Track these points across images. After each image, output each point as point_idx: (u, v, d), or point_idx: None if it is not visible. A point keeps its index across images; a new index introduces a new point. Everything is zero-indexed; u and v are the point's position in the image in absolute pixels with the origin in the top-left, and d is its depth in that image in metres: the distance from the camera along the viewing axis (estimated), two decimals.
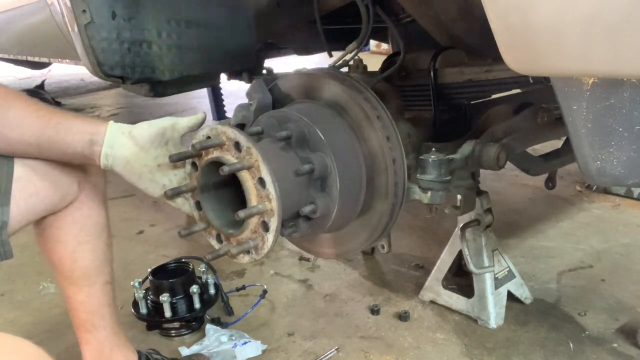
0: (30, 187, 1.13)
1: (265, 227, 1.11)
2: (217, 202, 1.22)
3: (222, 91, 4.00)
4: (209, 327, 1.70)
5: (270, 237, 1.11)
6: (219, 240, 1.21)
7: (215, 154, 1.15)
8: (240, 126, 1.42)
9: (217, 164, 1.14)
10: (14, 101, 1.09)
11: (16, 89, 1.12)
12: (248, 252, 1.15)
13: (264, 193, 1.09)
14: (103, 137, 1.11)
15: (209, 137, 1.15)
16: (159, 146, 1.16)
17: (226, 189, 1.21)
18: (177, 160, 1.15)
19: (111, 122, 1.15)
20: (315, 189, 1.25)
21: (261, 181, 1.08)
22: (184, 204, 1.23)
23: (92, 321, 1.35)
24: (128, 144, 1.13)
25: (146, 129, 1.15)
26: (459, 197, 1.47)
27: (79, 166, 1.23)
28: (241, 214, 1.07)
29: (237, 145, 1.10)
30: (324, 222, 1.28)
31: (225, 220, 1.20)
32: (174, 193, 1.17)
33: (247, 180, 1.10)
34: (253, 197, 1.11)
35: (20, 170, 1.12)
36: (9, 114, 1.07)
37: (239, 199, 1.15)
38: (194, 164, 1.19)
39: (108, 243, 1.34)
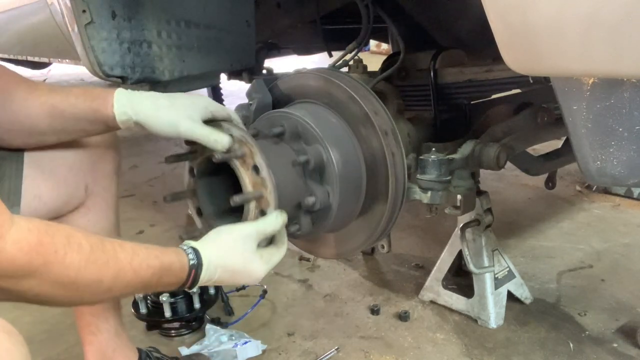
0: (34, 189, 1.12)
1: (263, 214, 1.11)
2: (218, 208, 1.22)
3: (222, 91, 4.00)
4: (209, 327, 1.70)
5: None
6: None
7: (208, 152, 1.14)
8: None
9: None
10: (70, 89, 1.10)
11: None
12: None
13: (259, 180, 1.09)
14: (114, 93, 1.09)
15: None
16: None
17: (225, 194, 1.21)
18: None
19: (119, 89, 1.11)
20: (314, 182, 1.25)
21: (255, 168, 1.09)
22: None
23: (97, 324, 1.36)
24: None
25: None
26: (459, 197, 1.47)
27: (88, 169, 1.22)
28: (237, 198, 1.07)
29: (231, 137, 1.11)
30: (326, 216, 1.28)
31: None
32: (174, 198, 1.18)
33: (242, 171, 1.10)
34: (248, 186, 1.11)
35: (28, 169, 1.12)
36: (70, 99, 1.07)
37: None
38: (191, 170, 1.20)
39: None
